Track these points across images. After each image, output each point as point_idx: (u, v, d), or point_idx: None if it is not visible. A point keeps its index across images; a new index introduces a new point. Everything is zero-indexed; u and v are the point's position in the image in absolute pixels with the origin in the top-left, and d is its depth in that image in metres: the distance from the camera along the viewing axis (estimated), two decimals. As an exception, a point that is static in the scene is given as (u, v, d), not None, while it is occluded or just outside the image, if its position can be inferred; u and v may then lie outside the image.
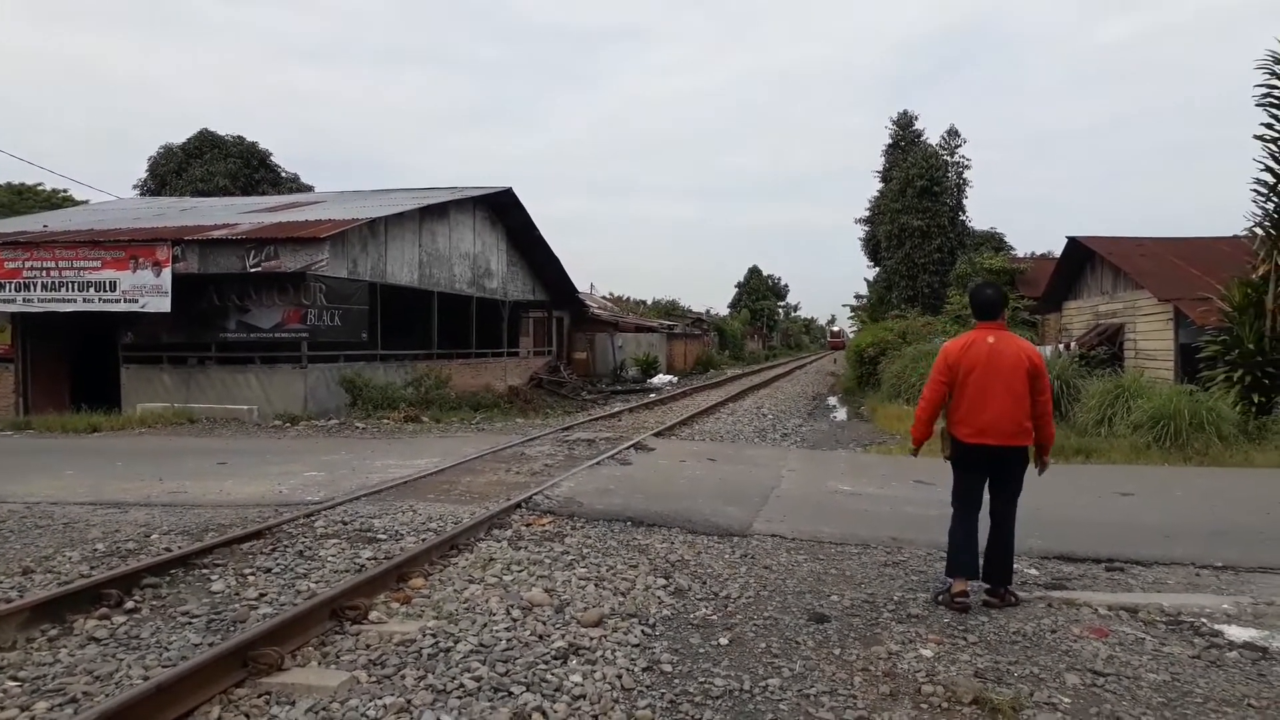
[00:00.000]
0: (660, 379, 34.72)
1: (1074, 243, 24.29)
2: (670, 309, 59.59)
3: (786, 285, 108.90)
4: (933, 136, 45.02)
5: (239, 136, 45.05)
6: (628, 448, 12.15)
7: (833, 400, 28.49)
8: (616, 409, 21.12)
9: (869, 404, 23.08)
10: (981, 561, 5.54)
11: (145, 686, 3.77)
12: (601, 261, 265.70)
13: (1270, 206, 14.62)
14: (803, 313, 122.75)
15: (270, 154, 45.65)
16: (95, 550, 6.59)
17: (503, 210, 27.04)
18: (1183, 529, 7.53)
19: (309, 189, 42.60)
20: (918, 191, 41.80)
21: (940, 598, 5.57)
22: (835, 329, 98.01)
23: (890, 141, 46.65)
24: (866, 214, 49.11)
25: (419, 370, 20.13)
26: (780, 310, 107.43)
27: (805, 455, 13.20)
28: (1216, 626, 5.23)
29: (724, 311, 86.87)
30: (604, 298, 57.43)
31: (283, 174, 45.97)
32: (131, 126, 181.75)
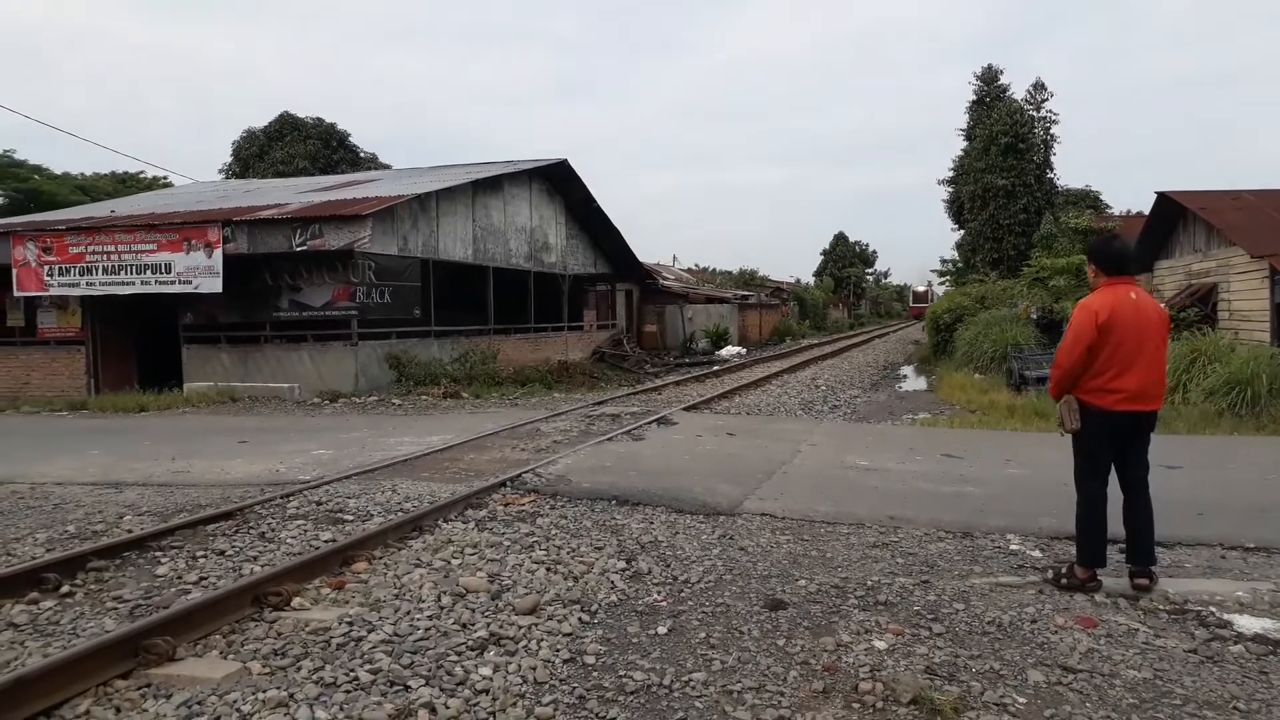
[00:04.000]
0: (729, 350, 34.10)
1: (1164, 198, 22.61)
2: (749, 279, 58.50)
3: (875, 251, 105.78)
4: (1019, 91, 42.76)
5: (318, 118, 45.88)
6: (649, 423, 11.77)
7: (906, 370, 27.46)
8: (666, 382, 20.71)
9: (940, 373, 22.14)
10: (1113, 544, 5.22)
11: (3, 680, 3.63)
12: (688, 233, 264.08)
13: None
14: (894, 279, 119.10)
15: (349, 134, 46.33)
16: (65, 532, 6.58)
17: (560, 183, 26.75)
18: (1221, 505, 6.80)
19: (386, 168, 43.11)
20: (1002, 149, 39.74)
21: (1065, 581, 5.15)
22: (921, 289, 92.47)
23: (975, 98, 44.45)
24: (950, 174, 47.10)
25: (466, 346, 20.07)
26: (869, 277, 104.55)
27: (835, 429, 12.57)
28: (1226, 616, 4.65)
29: (809, 280, 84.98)
30: (685, 270, 56.89)
31: (361, 154, 46.62)
32: (232, 112, 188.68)
